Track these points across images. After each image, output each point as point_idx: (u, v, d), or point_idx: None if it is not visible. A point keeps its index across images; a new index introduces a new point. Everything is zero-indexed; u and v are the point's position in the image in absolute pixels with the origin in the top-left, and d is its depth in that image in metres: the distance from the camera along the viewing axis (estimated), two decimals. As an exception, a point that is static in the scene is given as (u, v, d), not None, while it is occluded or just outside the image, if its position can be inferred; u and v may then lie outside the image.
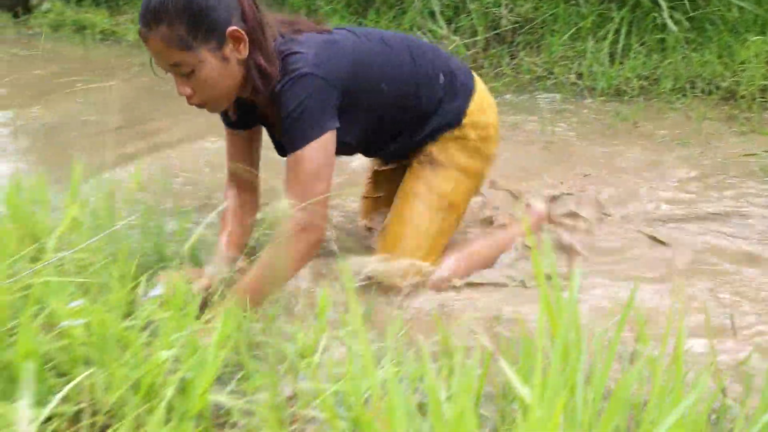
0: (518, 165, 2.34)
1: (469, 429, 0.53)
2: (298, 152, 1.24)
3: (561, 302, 0.66)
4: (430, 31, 4.26)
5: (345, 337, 1.04)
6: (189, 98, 1.26)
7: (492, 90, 3.71)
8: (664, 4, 3.61)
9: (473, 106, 1.48)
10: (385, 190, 1.68)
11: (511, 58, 4.02)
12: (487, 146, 1.51)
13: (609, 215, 1.88)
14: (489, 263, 1.57)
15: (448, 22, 4.32)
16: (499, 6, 4.13)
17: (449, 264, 1.51)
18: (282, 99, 1.24)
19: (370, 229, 1.75)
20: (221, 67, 1.22)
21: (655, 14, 3.69)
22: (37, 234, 1.41)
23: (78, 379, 0.80)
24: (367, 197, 1.78)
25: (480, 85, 1.53)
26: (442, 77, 1.44)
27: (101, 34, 5.67)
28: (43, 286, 0.94)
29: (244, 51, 1.24)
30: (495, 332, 1.28)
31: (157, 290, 0.99)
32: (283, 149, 1.43)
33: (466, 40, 4.16)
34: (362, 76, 1.32)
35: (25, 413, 0.45)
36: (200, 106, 1.29)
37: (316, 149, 1.24)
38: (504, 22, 4.09)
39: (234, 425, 0.85)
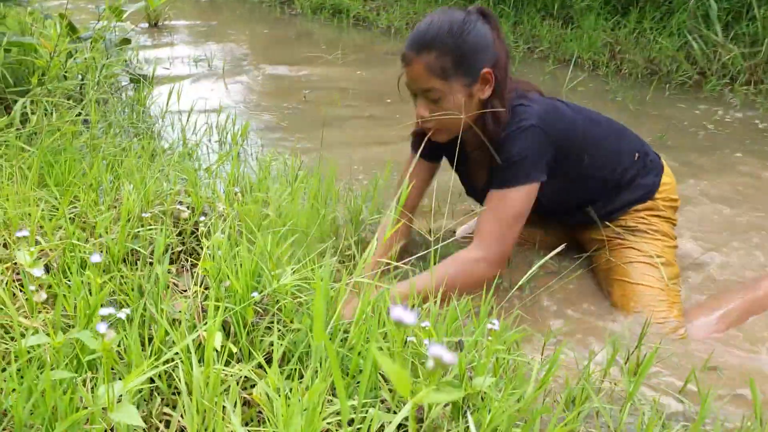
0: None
1: None
2: (506, 192, 1.35)
3: None
4: (701, 36, 3.83)
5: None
6: (424, 121, 1.39)
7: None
8: None
9: (664, 180, 1.56)
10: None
11: (802, 75, 3.46)
12: (673, 213, 1.60)
13: None
14: (744, 320, 1.48)
15: (725, 27, 3.85)
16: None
17: (707, 323, 1.45)
18: (506, 143, 1.35)
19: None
20: (464, 101, 1.35)
21: None
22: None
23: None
24: None
25: (663, 161, 1.63)
26: (637, 155, 1.53)
27: (354, 18, 6.12)
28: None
29: (487, 93, 1.37)
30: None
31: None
32: (474, 190, 1.58)
33: (744, 50, 3.66)
34: (573, 141, 1.42)
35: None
36: (428, 130, 1.42)
37: (522, 195, 1.35)
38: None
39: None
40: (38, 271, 0.69)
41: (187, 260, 1.38)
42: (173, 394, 0.90)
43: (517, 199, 1.35)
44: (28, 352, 0.77)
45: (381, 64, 4.39)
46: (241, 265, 0.99)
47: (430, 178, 1.64)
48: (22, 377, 0.77)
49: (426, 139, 1.50)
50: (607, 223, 1.58)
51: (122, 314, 0.52)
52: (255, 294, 0.93)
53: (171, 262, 1.44)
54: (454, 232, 1.82)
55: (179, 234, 1.53)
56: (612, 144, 1.52)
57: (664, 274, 1.46)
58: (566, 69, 3.87)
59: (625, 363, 1.24)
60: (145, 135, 2.24)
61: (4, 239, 1.25)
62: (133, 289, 1.11)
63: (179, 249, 1.45)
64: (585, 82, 3.70)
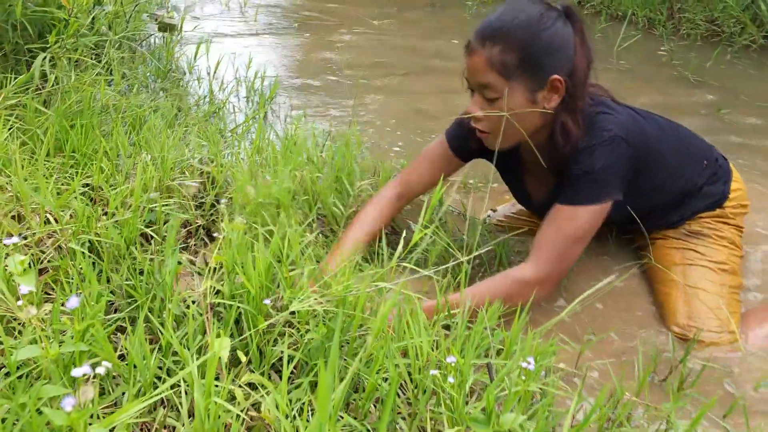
0: None
1: None
2: (576, 209, 1.22)
3: None
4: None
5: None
6: (476, 120, 1.25)
7: None
8: None
9: (734, 188, 1.45)
10: None
11: None
12: (742, 221, 1.48)
13: None
14: None
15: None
16: None
17: (763, 335, 1.31)
18: (585, 155, 1.21)
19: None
20: (525, 107, 1.21)
21: None
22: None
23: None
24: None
25: (732, 166, 1.52)
26: (705, 163, 1.41)
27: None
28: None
29: (554, 102, 1.21)
30: None
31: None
32: (529, 201, 1.46)
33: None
34: (648, 155, 1.28)
35: None
36: (481, 131, 1.27)
37: (593, 214, 1.22)
38: None
39: None
40: (26, 287, 0.62)
41: (204, 239, 1.31)
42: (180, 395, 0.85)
43: (586, 219, 1.21)
44: (18, 368, 0.72)
45: (421, 18, 4.18)
46: (255, 262, 0.91)
47: (447, 174, 1.46)
48: (13, 391, 0.72)
49: (463, 133, 1.36)
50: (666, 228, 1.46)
51: (102, 369, 0.45)
52: (267, 301, 0.86)
53: (189, 235, 1.39)
54: (494, 210, 1.71)
55: (199, 206, 1.47)
56: (681, 153, 1.38)
57: (725, 281, 1.33)
58: (619, 26, 3.60)
59: (664, 380, 1.15)
60: (170, 92, 2.15)
61: (17, 211, 1.20)
62: (142, 272, 1.05)
63: (198, 224, 1.40)
64: (639, 42, 3.44)
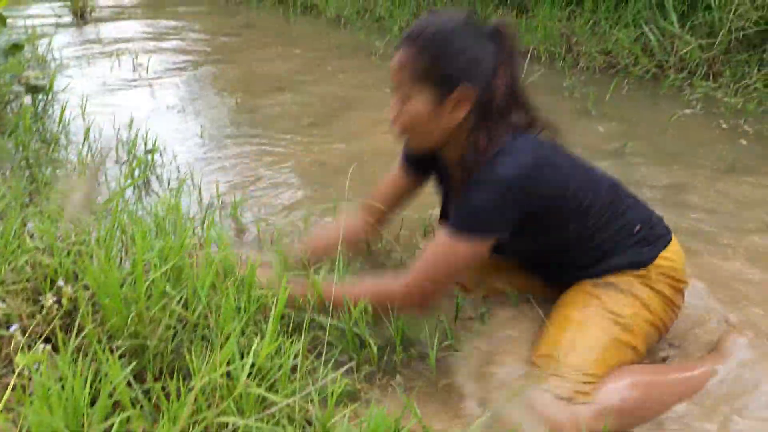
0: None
1: None
2: (454, 237, 1.22)
3: None
4: (658, 27, 3.63)
5: None
6: (392, 121, 1.29)
7: (732, 108, 3.14)
8: None
9: (666, 255, 1.33)
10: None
11: (761, 68, 3.29)
12: (673, 293, 1.34)
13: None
14: (667, 406, 1.20)
15: (681, 16, 3.66)
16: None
17: (620, 388, 1.17)
18: (475, 187, 1.21)
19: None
20: (429, 114, 1.23)
21: None
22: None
23: None
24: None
25: (675, 239, 1.40)
26: (638, 227, 1.33)
27: (302, 7, 5.76)
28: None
29: (462, 113, 1.23)
30: None
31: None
32: (446, 218, 1.43)
33: (701, 41, 3.48)
34: (557, 207, 1.26)
35: None
36: (400, 132, 1.30)
37: (468, 249, 1.21)
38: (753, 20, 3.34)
39: None
40: None
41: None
42: None
43: (461, 252, 1.22)
44: None
45: (327, 57, 4.09)
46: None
47: (406, 194, 1.52)
48: None
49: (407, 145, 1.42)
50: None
51: None
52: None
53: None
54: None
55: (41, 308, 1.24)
56: (610, 216, 1.31)
57: (614, 332, 1.23)
58: (522, 61, 3.63)
59: None
60: (21, 165, 1.91)
61: None
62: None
63: (38, 331, 1.17)
64: (543, 76, 3.47)
